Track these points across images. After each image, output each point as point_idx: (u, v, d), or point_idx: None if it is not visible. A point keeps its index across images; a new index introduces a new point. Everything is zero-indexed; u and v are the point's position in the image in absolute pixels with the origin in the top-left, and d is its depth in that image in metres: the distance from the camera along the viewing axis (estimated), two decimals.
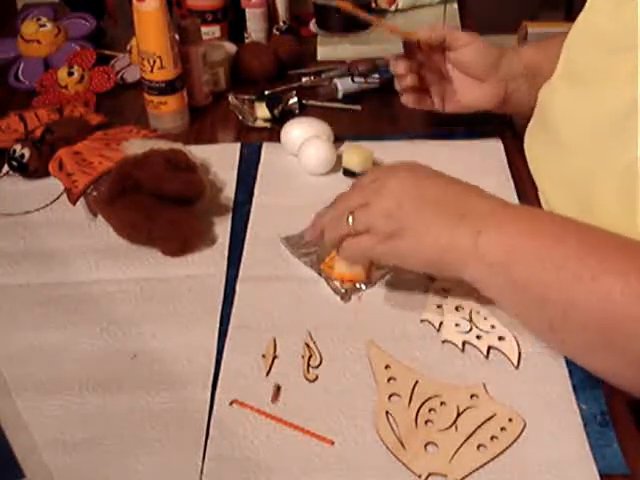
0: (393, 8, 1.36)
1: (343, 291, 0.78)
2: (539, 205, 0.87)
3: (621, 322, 0.59)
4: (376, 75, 1.14)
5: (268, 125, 1.06)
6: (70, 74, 1.15)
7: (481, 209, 0.68)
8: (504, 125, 1.04)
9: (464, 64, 0.94)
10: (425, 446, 0.63)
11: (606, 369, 0.65)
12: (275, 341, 0.73)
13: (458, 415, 0.65)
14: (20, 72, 1.21)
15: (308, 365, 0.70)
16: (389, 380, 0.68)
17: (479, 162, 0.97)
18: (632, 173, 0.66)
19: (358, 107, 1.11)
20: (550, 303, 0.64)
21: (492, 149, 0.99)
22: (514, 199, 0.90)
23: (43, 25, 1.23)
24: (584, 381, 0.68)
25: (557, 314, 0.63)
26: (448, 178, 0.72)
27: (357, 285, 0.79)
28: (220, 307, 0.77)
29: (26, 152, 0.96)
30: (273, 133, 1.03)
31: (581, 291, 0.61)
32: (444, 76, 0.97)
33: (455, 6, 1.37)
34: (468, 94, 0.95)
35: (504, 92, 0.94)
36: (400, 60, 0.95)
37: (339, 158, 0.97)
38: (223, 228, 0.88)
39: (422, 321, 0.74)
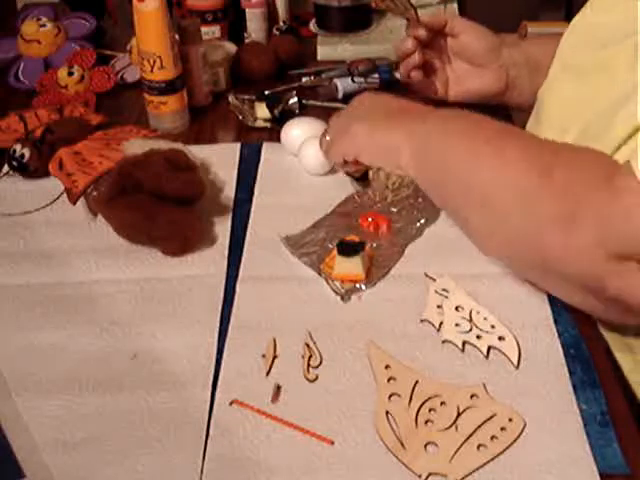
0: None
1: (343, 291, 0.78)
2: None
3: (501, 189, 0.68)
4: (376, 75, 1.14)
5: (268, 125, 1.06)
6: (70, 74, 1.15)
7: (425, 114, 0.81)
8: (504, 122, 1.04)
9: (465, 50, 0.97)
10: (425, 446, 0.63)
11: (492, 249, 0.74)
12: (275, 341, 0.73)
13: (458, 415, 0.65)
14: (20, 72, 1.21)
15: (308, 365, 0.70)
16: (389, 380, 0.68)
17: None
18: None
19: None
20: (457, 183, 0.73)
21: None
22: None
23: (43, 25, 1.23)
24: (584, 381, 0.68)
25: (461, 193, 0.73)
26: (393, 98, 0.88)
27: (357, 285, 0.79)
28: (220, 307, 0.77)
29: (26, 152, 0.96)
30: (273, 133, 1.03)
31: (483, 168, 0.70)
32: (447, 63, 1.00)
33: (455, 6, 1.38)
34: (470, 81, 0.99)
35: (505, 78, 0.96)
36: (408, 38, 0.98)
37: None
38: (223, 228, 0.88)
39: (422, 321, 0.74)
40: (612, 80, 0.73)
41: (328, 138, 0.88)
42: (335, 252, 0.79)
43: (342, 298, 0.78)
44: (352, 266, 0.78)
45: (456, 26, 0.97)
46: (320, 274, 0.80)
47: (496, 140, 0.71)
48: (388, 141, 0.80)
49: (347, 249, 0.78)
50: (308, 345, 0.72)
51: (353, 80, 1.13)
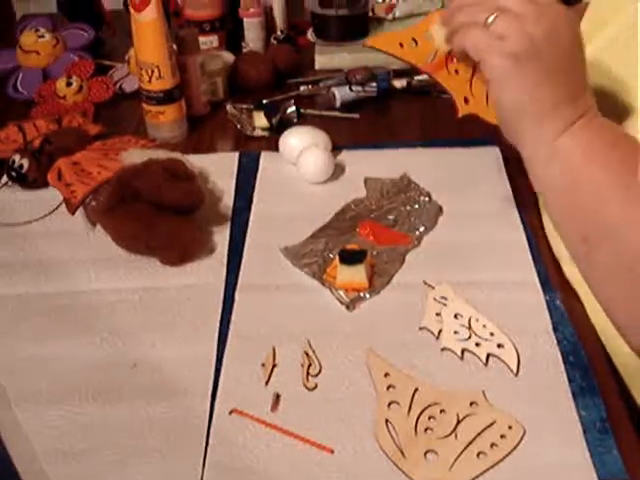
0: (390, 16, 1.37)
1: (348, 300, 0.78)
2: (538, 213, 0.88)
3: None
4: (373, 84, 1.14)
5: (266, 134, 1.07)
6: (69, 84, 1.15)
7: (588, 102, 0.68)
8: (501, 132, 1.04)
9: None
10: (425, 454, 0.63)
11: (616, 301, 0.66)
12: (274, 350, 0.73)
13: (458, 423, 0.65)
14: (19, 82, 1.21)
15: (307, 374, 0.70)
16: (388, 388, 0.68)
17: (477, 170, 0.97)
18: None
19: (356, 116, 1.12)
20: (598, 216, 0.65)
21: (490, 157, 0.99)
22: (513, 207, 0.90)
23: (42, 36, 1.23)
24: (584, 388, 0.68)
25: (599, 229, 0.65)
26: (583, 43, 0.69)
27: (361, 294, 0.79)
28: (219, 316, 0.78)
29: (25, 162, 0.96)
30: (271, 142, 1.03)
31: (635, 217, 0.62)
32: None
33: None
34: None
35: None
36: None
37: (337, 166, 0.97)
38: (222, 237, 0.88)
39: (421, 329, 0.74)
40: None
41: (492, 19, 0.66)
42: (337, 261, 0.79)
43: (347, 307, 0.78)
44: (355, 275, 0.78)
45: None
46: (323, 284, 0.80)
47: None
48: (549, 111, 0.67)
49: (349, 258, 0.78)
50: (307, 354, 0.72)
51: (351, 89, 1.13)
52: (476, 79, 0.75)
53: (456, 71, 0.75)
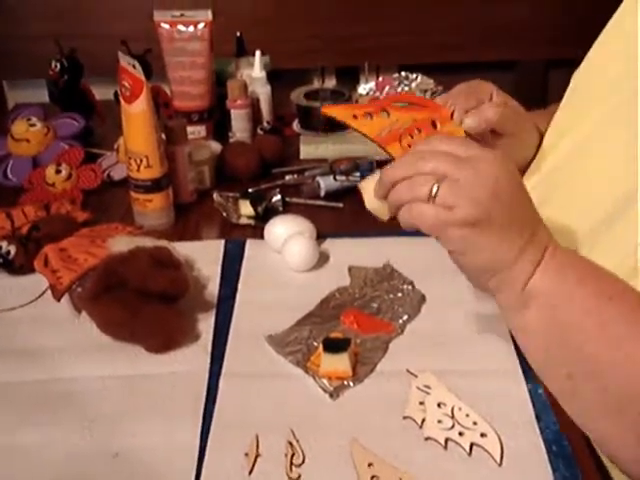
0: None
1: (332, 389, 0.78)
2: None
3: None
4: (357, 173, 1.17)
5: (252, 222, 1.08)
6: (58, 172, 1.17)
7: (545, 236, 0.69)
8: None
9: (512, 146, 0.87)
10: None
11: (607, 436, 0.65)
12: (258, 439, 0.72)
13: None
14: (9, 170, 1.23)
15: (291, 464, 0.70)
16: (372, 478, 0.68)
17: None
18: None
19: (340, 205, 1.14)
20: (581, 355, 0.64)
21: None
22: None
23: (33, 125, 1.26)
24: (567, 478, 0.68)
25: (583, 367, 0.64)
26: (521, 181, 0.70)
27: (345, 382, 0.79)
28: (203, 404, 0.77)
29: (12, 249, 0.97)
30: (257, 230, 1.05)
31: (616, 353, 0.62)
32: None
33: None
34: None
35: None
36: None
37: (321, 255, 0.98)
38: (207, 324, 0.89)
39: (405, 418, 0.74)
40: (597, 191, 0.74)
41: (435, 190, 0.66)
42: (321, 349, 0.79)
43: (331, 396, 0.78)
44: (339, 363, 0.79)
45: (508, 128, 0.84)
46: (307, 372, 0.80)
47: None
48: (516, 258, 0.67)
49: (333, 346, 0.79)
50: (291, 443, 0.72)
51: (335, 178, 1.16)
52: None
53: (409, 146, 0.77)
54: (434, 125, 0.80)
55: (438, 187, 0.65)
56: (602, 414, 0.65)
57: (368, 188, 0.74)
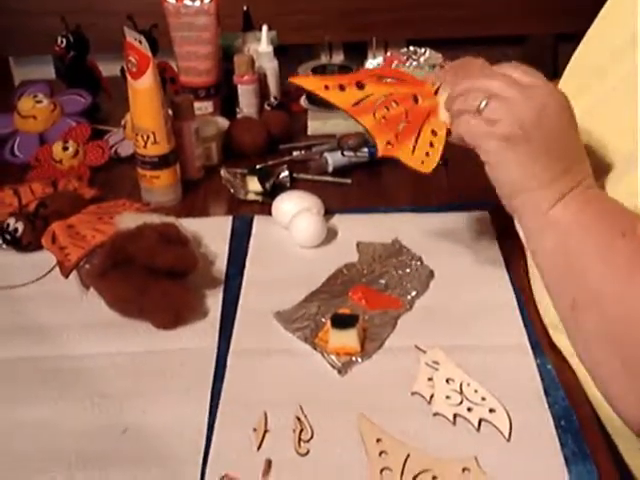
0: None
1: (340, 365, 0.78)
2: (527, 276, 0.88)
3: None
4: (365, 149, 1.16)
5: (260, 199, 1.08)
6: (65, 149, 1.17)
7: (581, 173, 0.71)
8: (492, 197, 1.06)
9: None
10: None
11: (604, 369, 0.67)
12: (266, 415, 0.73)
13: None
14: (16, 147, 1.23)
15: (299, 439, 0.70)
16: (380, 454, 0.68)
17: (467, 234, 0.98)
18: None
19: (348, 181, 1.13)
20: (586, 284, 0.67)
21: (480, 221, 1.01)
22: (503, 271, 0.91)
23: (40, 101, 1.25)
24: (576, 453, 0.68)
25: (588, 297, 0.67)
26: (573, 117, 0.72)
27: (353, 358, 0.79)
28: (211, 381, 0.77)
29: (19, 226, 0.97)
30: (264, 206, 1.05)
31: (617, 284, 0.65)
32: None
33: None
34: None
35: None
36: None
37: (329, 231, 0.98)
38: (215, 301, 0.89)
39: (413, 394, 0.74)
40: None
41: (483, 104, 0.70)
42: (329, 325, 0.79)
43: (339, 372, 0.78)
44: (347, 339, 0.79)
45: None
46: (315, 348, 0.80)
47: None
48: (544, 186, 0.70)
49: (341, 322, 0.79)
50: (299, 419, 0.72)
51: (343, 154, 1.15)
52: (424, 132, 0.79)
53: (384, 118, 0.79)
54: (415, 100, 0.80)
55: (487, 102, 0.70)
56: (599, 344, 0.67)
57: (442, 100, 0.78)
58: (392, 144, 0.79)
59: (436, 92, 0.81)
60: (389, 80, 0.82)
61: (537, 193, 0.70)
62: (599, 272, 0.67)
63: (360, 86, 0.81)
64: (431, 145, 0.79)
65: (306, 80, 0.82)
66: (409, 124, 0.80)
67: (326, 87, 0.80)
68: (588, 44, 0.87)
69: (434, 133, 0.79)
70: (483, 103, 0.70)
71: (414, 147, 0.79)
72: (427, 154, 0.78)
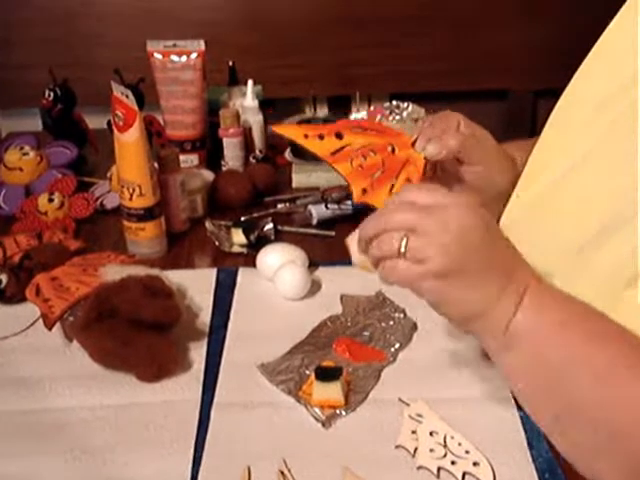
0: None
1: (324, 418, 0.78)
2: None
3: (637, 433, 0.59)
4: (349, 202, 1.17)
5: (244, 251, 1.09)
6: (50, 200, 1.17)
7: (525, 275, 0.67)
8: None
9: (480, 178, 0.87)
10: None
11: (604, 473, 0.64)
12: (249, 469, 0.72)
13: None
14: (1, 198, 1.23)
15: None
16: None
17: None
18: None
19: (332, 233, 1.14)
20: (566, 397, 0.64)
21: None
22: None
23: (26, 153, 1.26)
24: None
25: (570, 409, 0.64)
26: (493, 223, 0.69)
27: (337, 411, 0.79)
28: (195, 434, 0.77)
29: (4, 278, 0.97)
30: (249, 259, 1.05)
31: (605, 394, 0.62)
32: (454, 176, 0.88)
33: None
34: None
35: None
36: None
37: (314, 283, 0.99)
38: (198, 353, 0.88)
39: (397, 447, 0.74)
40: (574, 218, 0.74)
41: (403, 245, 0.66)
42: (313, 378, 0.79)
43: (323, 425, 0.77)
44: (331, 392, 0.79)
45: (473, 156, 0.85)
46: (299, 401, 0.80)
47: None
48: (494, 304, 0.67)
49: (325, 375, 0.79)
50: (283, 473, 0.72)
51: (327, 207, 1.17)
52: (400, 180, 0.81)
53: (361, 167, 0.80)
54: (392, 150, 0.81)
55: (407, 242, 0.65)
56: (592, 454, 0.64)
57: (353, 243, 0.74)
58: (367, 191, 0.80)
59: (413, 144, 0.82)
60: (367, 131, 0.84)
61: (489, 315, 0.67)
62: (578, 383, 0.63)
63: (339, 136, 0.82)
64: None
65: (287, 129, 0.84)
66: (385, 172, 0.81)
67: (305, 136, 0.82)
68: (568, 98, 0.88)
69: (409, 181, 0.81)
70: (403, 243, 0.65)
71: (390, 194, 0.80)
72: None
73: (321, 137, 0.81)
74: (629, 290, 0.66)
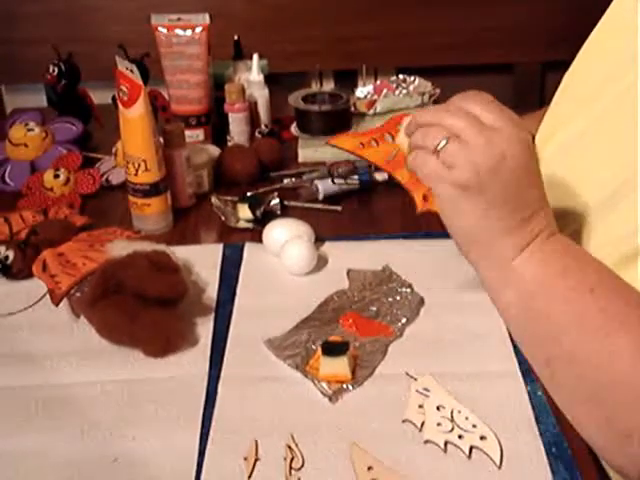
0: (371, 112, 1.41)
1: (331, 392, 0.78)
2: None
3: (619, 385, 0.61)
4: (355, 176, 1.17)
5: (250, 226, 1.08)
6: (56, 176, 1.17)
7: (542, 223, 0.68)
8: None
9: None
10: None
11: (583, 422, 0.66)
12: (257, 443, 0.72)
13: None
14: (7, 174, 1.23)
15: (290, 467, 0.70)
16: None
17: (457, 261, 0.98)
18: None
19: (338, 208, 1.14)
20: (557, 343, 0.66)
21: None
22: None
23: (31, 129, 1.26)
24: None
25: (559, 354, 0.66)
26: (533, 164, 0.69)
27: (344, 385, 0.79)
28: (202, 408, 0.77)
29: (10, 254, 0.97)
30: (255, 234, 1.05)
31: (592, 344, 0.63)
32: None
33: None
34: None
35: None
36: None
37: (320, 258, 0.98)
38: (205, 329, 0.88)
39: (404, 421, 0.74)
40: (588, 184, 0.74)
41: (442, 145, 0.67)
42: (320, 353, 0.79)
43: (330, 399, 0.78)
44: (338, 367, 0.79)
45: None
46: (306, 376, 0.80)
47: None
48: (500, 237, 0.69)
49: (332, 349, 0.79)
50: (290, 447, 0.72)
51: (333, 182, 1.16)
52: None
53: None
54: None
55: (446, 143, 0.67)
56: (579, 401, 0.66)
57: (405, 123, 0.76)
58: (427, 197, 0.78)
59: None
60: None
61: (494, 246, 0.68)
62: (570, 334, 0.65)
63: (392, 136, 0.80)
64: None
65: (343, 141, 0.82)
66: None
67: (362, 144, 0.80)
68: (575, 72, 0.88)
69: None
70: (442, 143, 0.67)
71: None
72: None
73: (376, 142, 0.80)
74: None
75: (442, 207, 0.70)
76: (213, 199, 1.13)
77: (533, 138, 0.88)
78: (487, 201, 0.67)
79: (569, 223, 0.77)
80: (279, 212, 1.11)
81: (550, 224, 0.70)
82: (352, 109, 1.39)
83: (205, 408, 0.77)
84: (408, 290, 0.93)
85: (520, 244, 0.68)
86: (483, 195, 0.67)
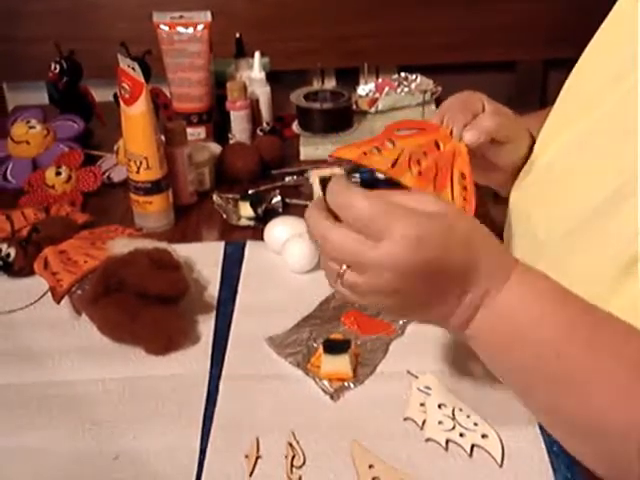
0: (373, 110, 1.41)
1: (332, 390, 0.78)
2: None
3: (611, 436, 0.59)
4: (356, 174, 1.17)
5: (252, 224, 1.08)
6: (58, 174, 1.17)
7: (477, 292, 0.63)
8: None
9: (506, 155, 0.86)
10: None
11: (584, 459, 0.65)
12: (258, 441, 0.72)
13: None
14: (9, 172, 1.23)
15: (291, 465, 0.70)
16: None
17: None
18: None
19: None
20: (530, 399, 0.66)
21: None
22: None
23: (33, 127, 1.26)
24: (568, 478, 0.68)
25: (547, 408, 0.65)
26: (432, 250, 0.61)
27: (345, 383, 0.79)
28: (203, 406, 0.77)
29: (12, 251, 0.97)
30: (257, 232, 1.05)
31: (576, 404, 0.61)
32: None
33: (433, 107, 1.42)
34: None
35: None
36: None
37: None
38: (207, 327, 0.88)
39: (405, 419, 0.74)
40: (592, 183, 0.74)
41: (342, 270, 0.63)
42: (321, 351, 0.79)
43: (331, 397, 0.78)
44: (340, 364, 0.79)
45: (509, 135, 0.83)
46: (307, 374, 0.80)
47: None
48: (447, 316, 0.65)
49: (333, 347, 0.79)
50: (291, 445, 0.72)
51: None
52: (455, 178, 0.78)
53: (420, 173, 0.77)
54: (437, 146, 0.80)
55: (343, 278, 0.63)
56: (573, 442, 0.65)
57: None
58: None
59: (451, 133, 0.80)
60: (409, 132, 0.82)
61: (443, 324, 0.66)
62: (533, 390, 0.64)
63: (392, 142, 0.80)
64: (465, 189, 0.78)
65: (346, 152, 0.81)
66: (440, 172, 0.78)
67: (364, 153, 0.80)
68: (580, 72, 0.87)
69: (463, 176, 0.79)
70: (342, 269, 0.63)
71: (452, 197, 0.78)
72: (464, 199, 0.78)
73: (378, 149, 0.80)
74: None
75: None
76: (214, 197, 1.13)
77: (533, 140, 0.88)
78: (404, 307, 0.64)
79: (569, 223, 0.76)
80: (281, 210, 1.11)
81: (493, 277, 0.63)
82: (354, 107, 1.39)
83: (206, 406, 0.77)
84: None
85: (459, 324, 0.64)
86: (400, 303, 0.63)
